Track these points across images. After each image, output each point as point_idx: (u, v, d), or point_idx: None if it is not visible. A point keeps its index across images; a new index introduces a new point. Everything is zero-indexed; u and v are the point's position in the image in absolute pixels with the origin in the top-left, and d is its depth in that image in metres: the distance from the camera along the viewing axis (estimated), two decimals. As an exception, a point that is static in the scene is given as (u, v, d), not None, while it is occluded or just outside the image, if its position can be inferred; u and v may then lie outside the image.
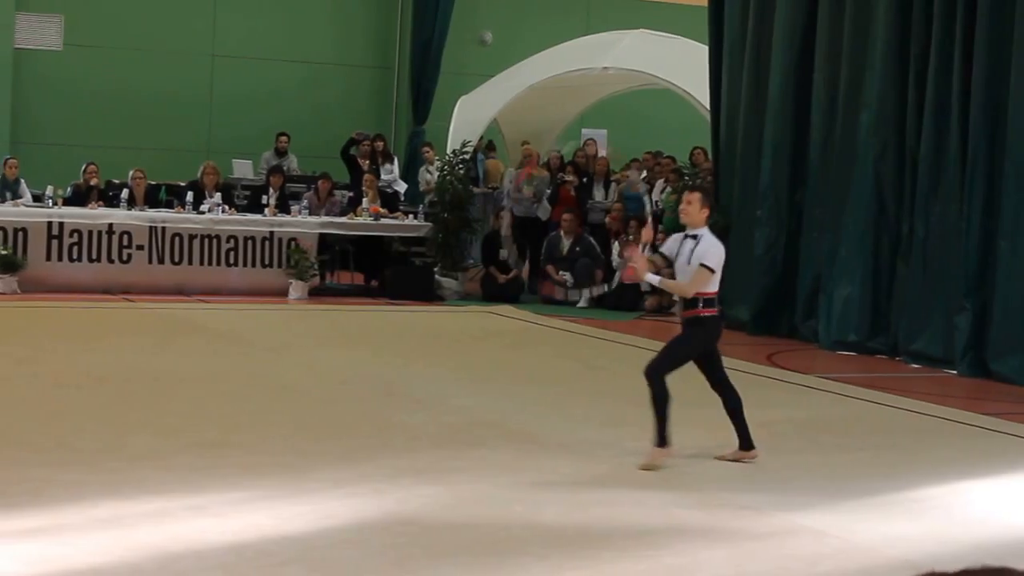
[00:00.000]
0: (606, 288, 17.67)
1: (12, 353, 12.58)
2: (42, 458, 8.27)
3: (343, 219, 18.01)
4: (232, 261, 18.01)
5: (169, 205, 18.26)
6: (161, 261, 17.80)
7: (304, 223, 17.80)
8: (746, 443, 8.89)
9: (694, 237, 8.79)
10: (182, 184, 19.00)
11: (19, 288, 16.85)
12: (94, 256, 17.69)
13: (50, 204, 17.54)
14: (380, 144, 20.47)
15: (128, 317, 15.88)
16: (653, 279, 8.96)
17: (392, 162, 20.62)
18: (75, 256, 17.66)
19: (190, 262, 17.87)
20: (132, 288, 17.45)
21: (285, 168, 20.01)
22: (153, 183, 18.75)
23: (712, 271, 8.69)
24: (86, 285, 17.46)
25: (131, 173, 18.45)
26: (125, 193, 17.89)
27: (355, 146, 20.05)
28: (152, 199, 18.24)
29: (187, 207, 17.76)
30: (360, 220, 17.93)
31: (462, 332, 15.63)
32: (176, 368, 12.03)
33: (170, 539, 6.73)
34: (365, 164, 19.76)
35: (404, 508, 7.36)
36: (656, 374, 8.71)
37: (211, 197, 18.03)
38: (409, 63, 23.65)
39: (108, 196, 18.14)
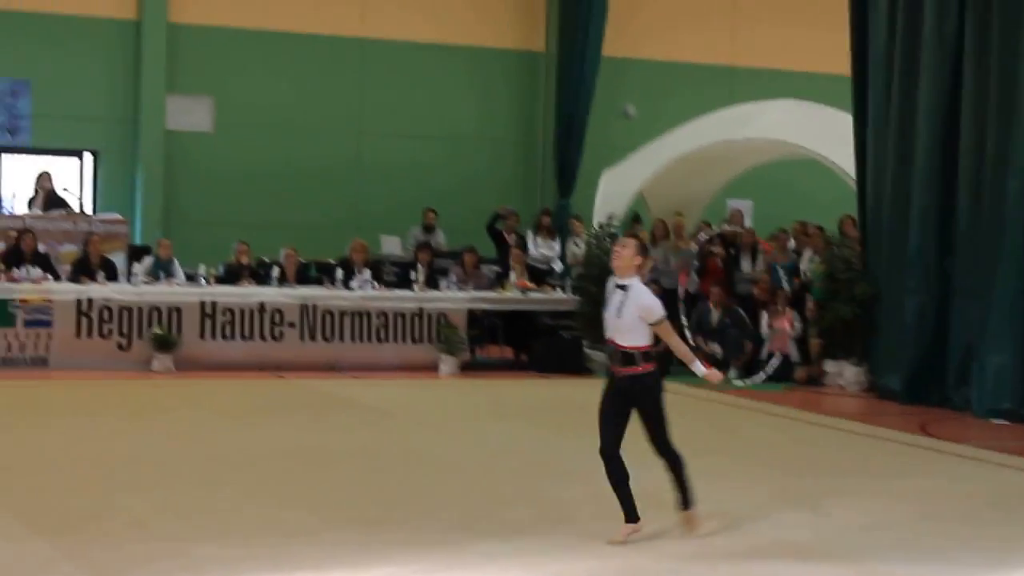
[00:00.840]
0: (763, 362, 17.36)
1: (169, 431, 12.86)
2: (200, 534, 8.31)
3: (491, 293, 18.29)
4: (382, 337, 18.36)
5: (319, 282, 18.55)
6: (312, 338, 18.15)
7: (453, 298, 18.07)
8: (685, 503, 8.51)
9: (623, 288, 8.38)
10: (331, 261, 19.29)
11: (174, 367, 17.17)
12: (247, 334, 18.07)
13: (203, 283, 18.00)
14: (546, 219, 20.87)
15: (281, 394, 16.12)
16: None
17: (555, 238, 20.89)
18: (228, 334, 18.08)
19: (341, 339, 18.23)
20: (284, 365, 17.74)
21: (433, 244, 20.21)
22: (303, 260, 19.09)
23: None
24: (239, 362, 17.76)
25: (282, 252, 18.87)
26: (276, 271, 18.30)
27: (500, 220, 20.33)
28: (302, 276, 18.59)
29: (337, 284, 18.11)
30: (508, 294, 18.22)
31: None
32: (330, 444, 12.23)
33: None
34: (511, 238, 20.04)
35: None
36: (667, 447, 8.43)
37: (360, 274, 18.38)
38: (553, 136, 23.81)
39: (259, 274, 18.50)
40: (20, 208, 20.32)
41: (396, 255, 20.54)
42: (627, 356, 8.31)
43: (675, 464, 8.43)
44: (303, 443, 12.18)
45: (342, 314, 17.99)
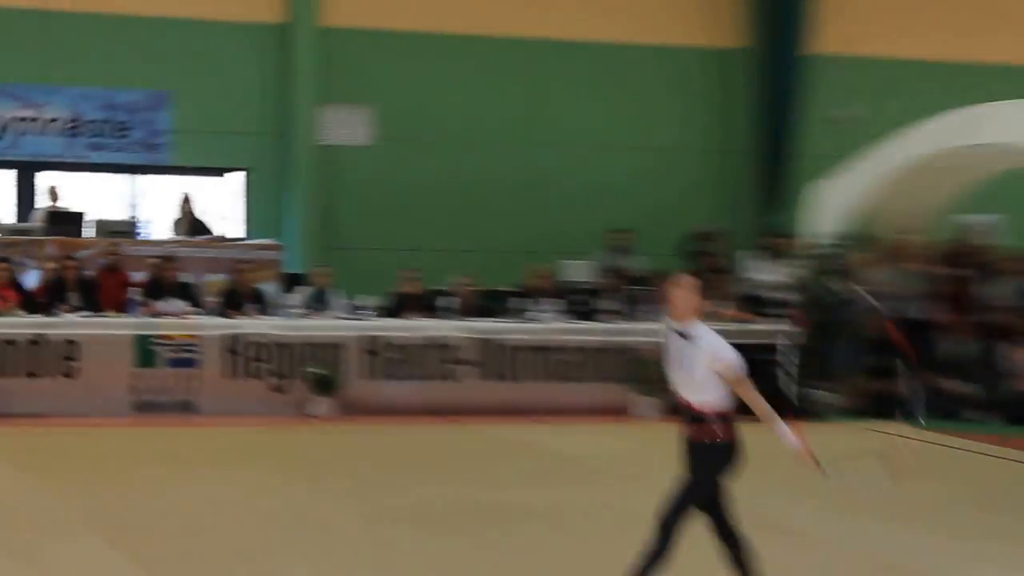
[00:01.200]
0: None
1: (333, 486, 12.38)
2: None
3: None
4: (571, 375, 18.01)
5: (497, 314, 18.11)
6: (493, 377, 17.88)
7: (649, 331, 17.07)
8: None
9: (683, 335, 7.87)
10: (511, 290, 18.98)
11: (335, 411, 16.76)
12: (417, 373, 17.51)
13: (366, 316, 17.82)
14: (772, 240, 20.17)
15: (458, 441, 15.80)
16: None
17: (781, 261, 20.13)
18: (396, 374, 17.60)
19: (525, 378, 17.96)
20: (461, 408, 17.16)
21: (626, 268, 19.69)
22: (479, 289, 18.64)
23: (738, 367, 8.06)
24: (409, 406, 17.15)
25: (456, 280, 18.48)
26: (449, 302, 18.17)
27: (698, 241, 19.74)
28: (479, 308, 18.21)
29: (519, 316, 18.09)
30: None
31: (842, 454, 14.57)
32: (515, 499, 11.78)
33: None
34: (714, 262, 19.34)
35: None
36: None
37: (544, 304, 18.19)
38: (756, 145, 23.03)
39: (430, 305, 18.20)
40: (162, 233, 20.07)
41: (584, 282, 19.84)
42: (699, 418, 7.89)
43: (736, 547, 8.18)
44: (484, 498, 11.89)
45: (525, 350, 17.67)
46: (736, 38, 23.74)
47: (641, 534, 9.70)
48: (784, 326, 18.05)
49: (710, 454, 7.69)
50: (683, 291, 7.82)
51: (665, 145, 23.21)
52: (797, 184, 21.65)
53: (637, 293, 19.24)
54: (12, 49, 21.13)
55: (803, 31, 22.77)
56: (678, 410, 7.82)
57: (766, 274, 19.93)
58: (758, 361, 17.34)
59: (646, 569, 7.65)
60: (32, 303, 16.64)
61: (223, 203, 22.22)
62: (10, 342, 16.59)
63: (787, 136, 22.64)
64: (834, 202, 18.92)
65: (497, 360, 17.51)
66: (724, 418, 7.67)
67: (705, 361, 7.60)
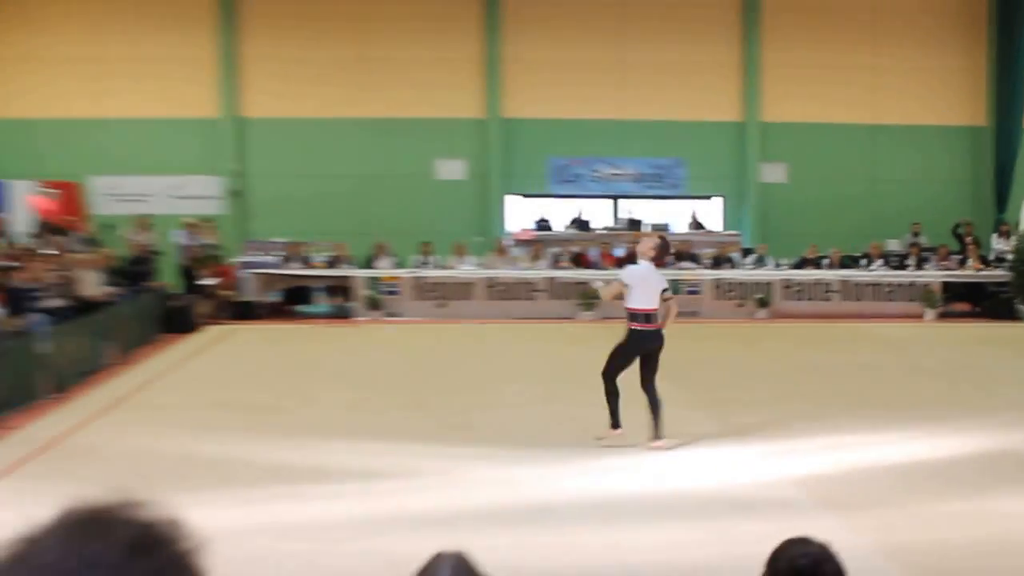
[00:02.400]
0: None
1: (766, 354, 17.56)
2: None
3: (957, 271, 23.68)
4: (891, 298, 23.01)
5: (851, 267, 23.47)
6: (851, 298, 22.88)
7: (933, 275, 23.45)
8: (657, 432, 10.39)
9: (647, 270, 10.18)
10: (856, 255, 24.51)
11: (767, 316, 22.27)
12: (810, 297, 23.13)
13: (782, 269, 23.29)
14: (1004, 227, 24.24)
15: (831, 333, 20.20)
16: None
17: (1008, 239, 24.17)
18: (797, 298, 23.20)
19: (865, 299, 23.04)
20: (833, 314, 22.50)
21: (916, 244, 24.93)
22: (842, 254, 24.21)
23: (623, 283, 10.13)
24: (804, 313, 22.59)
25: (831, 250, 24.11)
26: (826, 261, 23.59)
27: (961, 227, 24.75)
28: (842, 263, 23.71)
29: (862, 267, 23.19)
30: (967, 272, 23.76)
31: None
32: (852, 361, 16.40)
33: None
34: (968, 238, 24.76)
35: None
36: (605, 375, 10.34)
37: (876, 261, 23.44)
38: (994, 182, 26.39)
39: (817, 263, 23.69)
40: (678, 229, 25.63)
41: (897, 251, 25.44)
42: (655, 317, 10.22)
43: (655, 404, 10.19)
44: (846, 361, 15.87)
45: (866, 285, 23.49)
46: (976, 118, 27.52)
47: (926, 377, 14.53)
48: (1007, 273, 23.36)
49: (629, 337, 10.13)
50: (647, 245, 10.21)
51: (940, 178, 27.94)
52: (1014, 200, 26.37)
53: (925, 255, 24.91)
54: (594, 137, 27.11)
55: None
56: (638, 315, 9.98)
57: (999, 245, 24.87)
58: (995, 292, 23.82)
59: (656, 420, 10.22)
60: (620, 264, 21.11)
61: (712, 213, 27.51)
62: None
63: (1009, 176, 26.69)
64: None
65: (854, 290, 23.10)
66: (632, 316, 10.11)
67: (660, 285, 10.07)
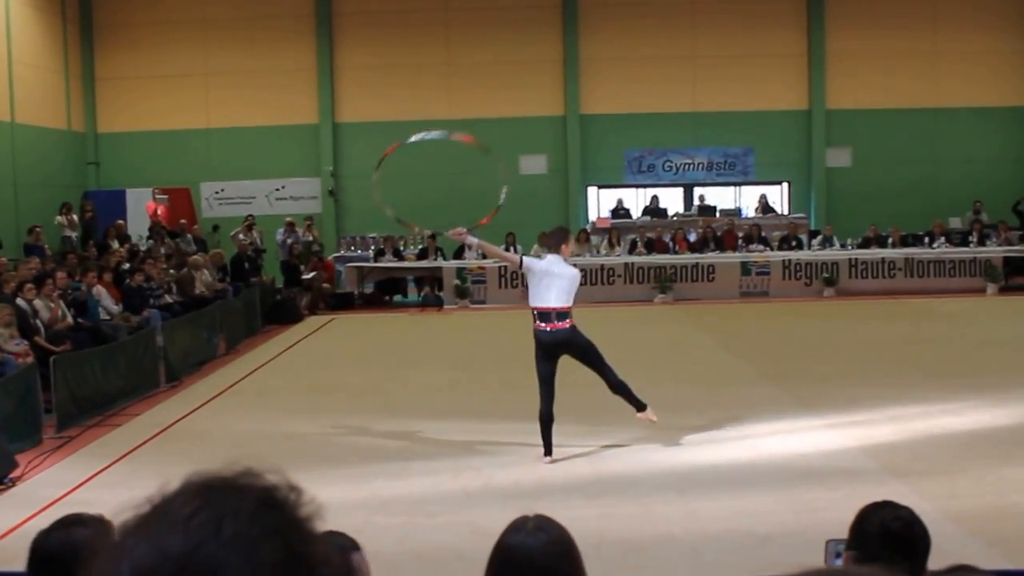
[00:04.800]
0: None
1: (830, 327, 17.82)
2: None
3: (1018, 246, 23.73)
4: (951, 273, 23.01)
5: (912, 245, 23.81)
6: (912, 276, 23.16)
7: (994, 251, 23.44)
8: (639, 406, 9.77)
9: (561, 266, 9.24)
10: (919, 233, 24.40)
11: (833, 293, 22.38)
12: (874, 275, 23.15)
13: (848, 247, 23.37)
14: None
15: (892, 308, 20.38)
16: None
17: None
18: (862, 275, 23.26)
19: (929, 275, 23.35)
20: (897, 290, 22.46)
21: (981, 220, 25.07)
22: (903, 233, 24.31)
23: (519, 263, 9.21)
24: (867, 291, 22.82)
25: (890, 229, 24.07)
26: (890, 241, 23.54)
27: (1022, 203, 25.02)
28: (902, 242, 23.99)
29: (924, 245, 23.45)
30: None
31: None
32: (916, 334, 16.97)
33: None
34: None
35: None
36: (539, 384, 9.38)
37: (939, 239, 23.59)
38: None
39: (881, 240, 23.82)
40: (749, 213, 26.44)
41: (958, 228, 25.69)
42: (567, 315, 9.20)
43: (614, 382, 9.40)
44: (911, 335, 15.99)
45: (929, 262, 23.47)
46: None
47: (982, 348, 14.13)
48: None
49: (565, 334, 9.14)
50: (568, 242, 9.34)
51: (1001, 157, 28.02)
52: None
53: (986, 232, 24.88)
54: (668, 129, 27.42)
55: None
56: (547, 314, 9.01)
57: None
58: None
59: (628, 397, 9.57)
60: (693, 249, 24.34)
61: (780, 197, 28.11)
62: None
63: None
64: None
65: (916, 268, 23.08)
66: (537, 315, 9.14)
67: (567, 281, 9.07)
